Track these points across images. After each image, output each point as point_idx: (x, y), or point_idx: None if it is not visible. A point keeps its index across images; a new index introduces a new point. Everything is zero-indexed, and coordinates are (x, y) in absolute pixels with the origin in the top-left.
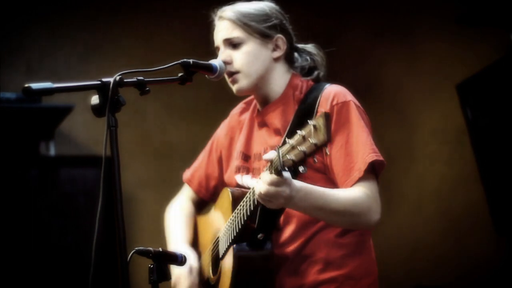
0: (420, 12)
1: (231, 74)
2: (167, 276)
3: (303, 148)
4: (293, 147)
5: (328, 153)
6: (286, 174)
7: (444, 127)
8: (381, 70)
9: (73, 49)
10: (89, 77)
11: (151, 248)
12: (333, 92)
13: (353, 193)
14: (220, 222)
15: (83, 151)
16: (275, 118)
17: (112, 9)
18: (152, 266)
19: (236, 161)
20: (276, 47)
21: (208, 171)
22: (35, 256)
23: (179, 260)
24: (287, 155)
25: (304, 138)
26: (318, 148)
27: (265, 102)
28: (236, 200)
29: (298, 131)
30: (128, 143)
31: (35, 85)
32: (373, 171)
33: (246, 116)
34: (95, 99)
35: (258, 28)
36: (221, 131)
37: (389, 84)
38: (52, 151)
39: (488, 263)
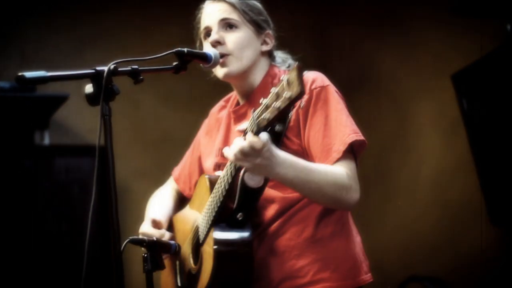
0: (414, 2)
1: (222, 55)
2: (161, 265)
3: (277, 104)
4: (267, 106)
5: (303, 105)
6: (263, 135)
7: (440, 117)
8: (375, 61)
9: (68, 39)
10: (84, 67)
11: (145, 237)
12: (311, 78)
13: (334, 169)
14: (199, 210)
15: (78, 140)
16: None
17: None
18: (146, 255)
19: (215, 158)
20: (264, 42)
21: (190, 170)
22: (30, 245)
23: (173, 249)
24: (262, 116)
25: (278, 95)
26: (293, 102)
27: (245, 92)
28: (213, 185)
29: (272, 89)
30: (122, 133)
31: (28, 74)
32: (351, 152)
33: (224, 113)
34: (89, 88)
35: (254, 18)
36: (201, 131)
37: (384, 75)
38: (47, 141)
39: (483, 254)
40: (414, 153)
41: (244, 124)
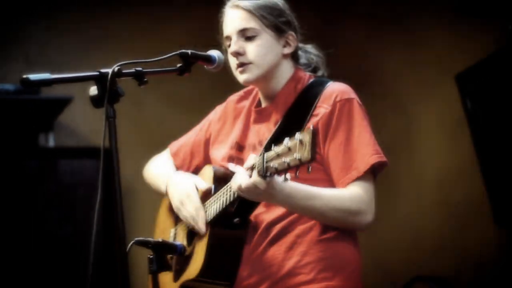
0: (419, 3)
1: (242, 64)
2: (166, 266)
3: (287, 159)
4: (278, 155)
5: (309, 171)
6: (269, 179)
7: (444, 117)
8: (380, 61)
9: (72, 41)
10: (88, 68)
11: (150, 239)
12: (336, 89)
13: (342, 194)
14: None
15: (82, 142)
16: (278, 111)
17: (111, 1)
18: (151, 256)
19: (230, 150)
20: (286, 44)
21: (193, 150)
22: (34, 248)
23: (178, 250)
24: (271, 162)
25: (289, 150)
26: (302, 164)
27: (268, 94)
28: (217, 179)
29: (285, 141)
30: (127, 134)
31: (33, 76)
32: (372, 172)
33: (245, 104)
34: (93, 90)
35: (273, 22)
36: (215, 115)
37: (388, 75)
38: (51, 143)
39: (488, 254)
40: (418, 153)
41: (251, 159)
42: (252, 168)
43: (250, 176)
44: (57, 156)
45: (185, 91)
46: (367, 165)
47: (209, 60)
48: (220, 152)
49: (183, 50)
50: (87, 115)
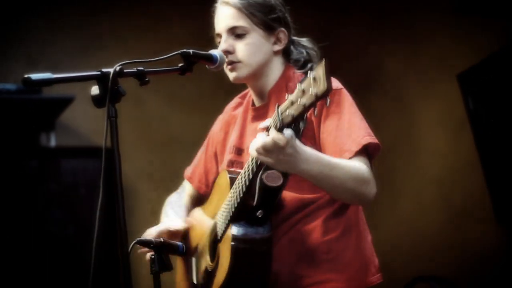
0: (420, 2)
1: (232, 63)
2: (168, 267)
3: (303, 100)
4: (292, 102)
5: (327, 104)
6: (287, 131)
7: (445, 117)
8: (382, 61)
9: (73, 40)
10: (90, 68)
11: (152, 239)
12: None
13: (356, 163)
14: (218, 206)
15: (84, 142)
16: (271, 109)
17: (112, 0)
18: (153, 256)
19: (229, 155)
20: (277, 40)
21: (207, 167)
22: (35, 248)
23: (180, 250)
24: (286, 111)
25: (303, 91)
26: (318, 99)
27: (260, 92)
28: (233, 180)
29: (298, 85)
30: (128, 134)
31: (35, 76)
32: (366, 154)
33: (240, 110)
34: (95, 90)
35: (263, 19)
36: (216, 127)
37: (389, 75)
38: (53, 142)
39: (490, 253)
40: (420, 152)
41: (267, 121)
42: (268, 128)
43: (268, 136)
44: (58, 155)
45: (186, 90)
46: (359, 145)
47: (211, 59)
48: (224, 162)
49: (185, 50)
50: (89, 114)
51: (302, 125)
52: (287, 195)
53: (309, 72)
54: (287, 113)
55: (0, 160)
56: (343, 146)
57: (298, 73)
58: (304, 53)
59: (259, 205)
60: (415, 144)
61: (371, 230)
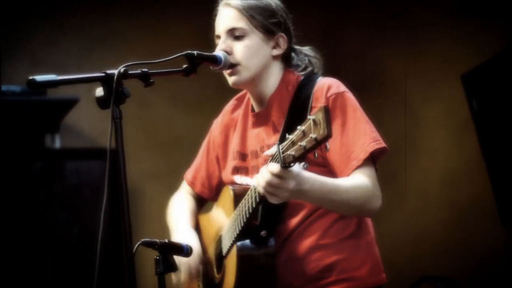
0: (424, 3)
1: (230, 65)
2: (173, 267)
3: (303, 143)
4: (293, 143)
5: (328, 148)
6: (293, 168)
7: (449, 117)
8: (385, 61)
9: (77, 41)
10: (94, 69)
11: (157, 240)
12: (326, 85)
13: (359, 181)
14: (223, 220)
15: (89, 143)
16: (273, 116)
17: (116, 1)
18: (158, 257)
19: (233, 161)
20: (276, 45)
21: (209, 171)
22: (40, 249)
23: (185, 251)
24: (287, 151)
25: (304, 133)
26: (319, 143)
27: (259, 97)
28: (237, 197)
29: (298, 127)
30: (133, 135)
31: (39, 77)
32: (371, 158)
33: (239, 112)
34: (99, 91)
35: (263, 22)
36: (215, 130)
37: (393, 75)
38: (58, 144)
39: (494, 254)
40: (424, 153)
41: (270, 150)
42: (273, 158)
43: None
44: (63, 157)
45: (191, 92)
46: (366, 153)
47: (215, 60)
48: (228, 167)
49: (189, 51)
50: (93, 116)
51: (305, 166)
52: (293, 201)
53: (309, 116)
54: (288, 153)
55: (5, 162)
56: (350, 154)
57: (296, 74)
58: (306, 60)
59: (262, 225)
60: (419, 145)
61: (375, 231)
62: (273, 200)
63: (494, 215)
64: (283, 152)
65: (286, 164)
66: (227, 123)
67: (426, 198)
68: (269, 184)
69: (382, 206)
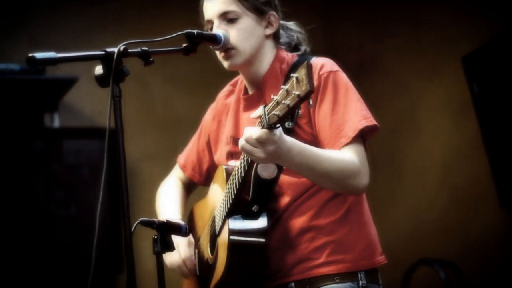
0: None
1: (226, 49)
2: (170, 247)
3: (287, 101)
4: (277, 103)
5: (311, 104)
6: (275, 130)
7: (449, 99)
8: (384, 43)
9: (77, 21)
10: (93, 49)
11: (155, 219)
12: (320, 63)
13: (343, 155)
14: (217, 200)
15: (88, 122)
16: (266, 95)
17: None
18: (156, 237)
19: (226, 146)
20: (268, 24)
21: (200, 156)
22: (39, 228)
23: (183, 230)
24: (272, 112)
25: (287, 92)
26: (302, 100)
27: (253, 78)
28: (230, 175)
29: (282, 86)
30: (132, 115)
31: (39, 55)
32: (361, 137)
33: (232, 99)
34: (99, 69)
35: (254, 3)
36: (208, 115)
37: (393, 57)
38: (57, 123)
39: (493, 236)
40: (424, 135)
41: (259, 110)
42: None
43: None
44: (62, 136)
45: (191, 72)
46: (356, 130)
47: (215, 40)
48: (219, 151)
49: (189, 30)
50: (92, 95)
51: (291, 125)
52: (285, 179)
53: (292, 73)
54: (273, 113)
55: (4, 141)
56: (340, 132)
57: (291, 54)
58: (294, 36)
59: (254, 200)
60: (419, 127)
61: (374, 213)
62: (255, 158)
63: (493, 197)
64: (268, 113)
65: (271, 125)
66: (220, 109)
67: (425, 181)
68: (247, 142)
69: (367, 186)
